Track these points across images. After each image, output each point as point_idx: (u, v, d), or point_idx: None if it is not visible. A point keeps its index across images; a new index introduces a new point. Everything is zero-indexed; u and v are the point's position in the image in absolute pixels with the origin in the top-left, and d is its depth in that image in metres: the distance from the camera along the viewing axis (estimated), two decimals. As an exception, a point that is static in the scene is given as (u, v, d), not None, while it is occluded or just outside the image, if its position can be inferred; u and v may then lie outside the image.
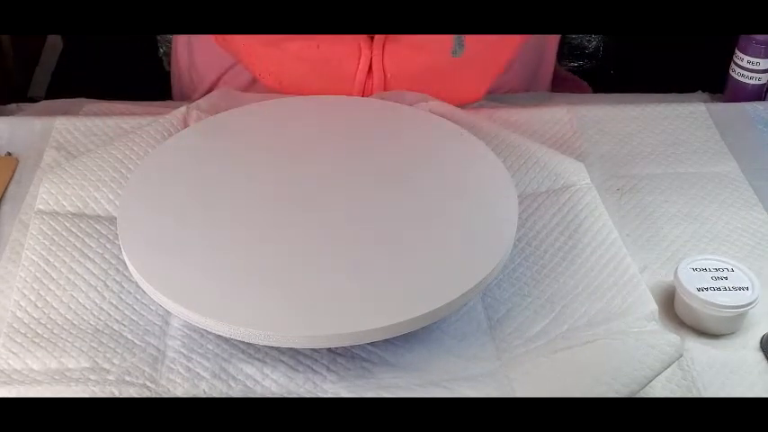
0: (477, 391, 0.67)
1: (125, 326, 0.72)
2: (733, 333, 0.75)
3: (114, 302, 0.74)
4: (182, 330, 0.72)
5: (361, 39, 0.96)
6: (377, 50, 0.96)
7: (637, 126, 1.00)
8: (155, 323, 0.73)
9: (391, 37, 0.96)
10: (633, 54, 1.36)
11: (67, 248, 0.78)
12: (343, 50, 0.97)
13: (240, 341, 0.70)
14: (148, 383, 0.68)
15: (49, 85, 1.46)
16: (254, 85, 1.04)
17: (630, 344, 0.69)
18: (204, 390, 0.68)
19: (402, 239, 0.74)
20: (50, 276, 0.75)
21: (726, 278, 0.75)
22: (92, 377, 0.68)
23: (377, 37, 0.96)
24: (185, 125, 0.91)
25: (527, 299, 0.76)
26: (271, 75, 1.01)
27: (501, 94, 1.06)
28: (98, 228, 0.80)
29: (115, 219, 0.78)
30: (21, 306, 0.73)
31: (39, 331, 0.71)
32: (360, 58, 0.97)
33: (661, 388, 0.70)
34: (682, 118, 1.01)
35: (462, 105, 0.97)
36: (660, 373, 0.68)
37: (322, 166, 0.75)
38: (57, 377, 0.68)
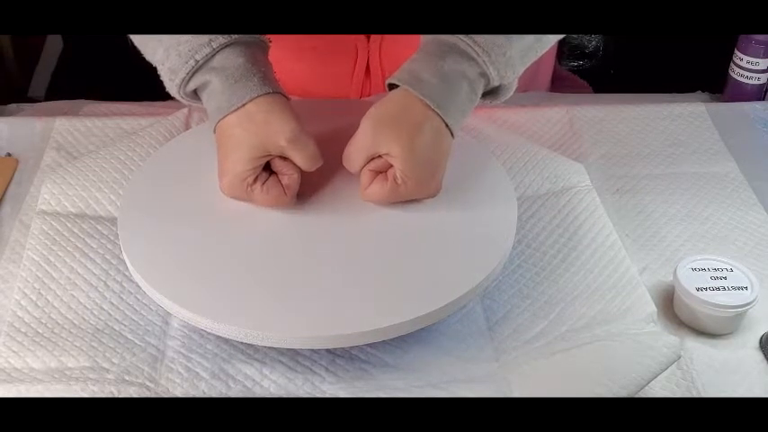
0: (476, 393, 0.67)
1: (125, 326, 0.73)
2: (732, 333, 0.75)
3: (115, 302, 0.74)
4: (181, 330, 0.72)
5: (358, 39, 0.96)
6: (374, 51, 0.96)
7: (637, 126, 1.00)
8: (155, 323, 0.73)
9: (388, 37, 0.96)
10: (633, 54, 1.36)
11: (69, 248, 0.78)
12: (339, 51, 0.97)
13: (239, 342, 0.70)
14: (148, 383, 0.68)
15: (48, 85, 1.46)
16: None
17: (629, 345, 0.69)
18: (203, 390, 0.68)
19: (401, 241, 0.74)
20: (51, 276, 0.76)
21: (725, 278, 0.75)
22: (91, 376, 0.68)
23: (373, 37, 0.96)
24: (187, 127, 0.92)
25: (526, 300, 0.76)
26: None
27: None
28: (99, 228, 0.80)
29: (116, 219, 0.79)
30: (21, 305, 0.73)
31: (39, 330, 0.71)
32: (357, 59, 0.97)
33: (660, 388, 0.70)
34: (682, 118, 1.01)
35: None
36: (658, 375, 0.68)
37: (322, 168, 0.75)
38: (57, 376, 0.68)
